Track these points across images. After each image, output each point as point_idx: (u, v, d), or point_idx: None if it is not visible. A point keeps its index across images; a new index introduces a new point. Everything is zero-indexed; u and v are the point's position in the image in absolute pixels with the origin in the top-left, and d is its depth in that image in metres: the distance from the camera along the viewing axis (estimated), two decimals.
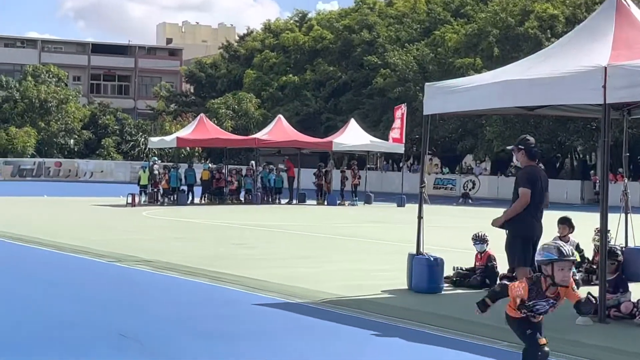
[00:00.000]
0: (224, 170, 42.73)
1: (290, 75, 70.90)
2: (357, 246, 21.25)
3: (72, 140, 72.89)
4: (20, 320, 10.54)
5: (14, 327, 10.06)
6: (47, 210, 33.79)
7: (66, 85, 77.79)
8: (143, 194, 38.99)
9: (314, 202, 41.77)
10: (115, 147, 73.47)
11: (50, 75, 75.98)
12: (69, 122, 72.55)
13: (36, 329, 10.02)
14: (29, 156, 67.78)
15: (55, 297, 12.48)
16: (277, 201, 41.86)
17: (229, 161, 48.02)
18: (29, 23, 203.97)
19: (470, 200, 47.51)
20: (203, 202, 41.21)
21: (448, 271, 14.11)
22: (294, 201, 42.13)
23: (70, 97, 74.07)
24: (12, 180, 62.16)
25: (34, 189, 48.92)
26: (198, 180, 41.80)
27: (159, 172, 40.25)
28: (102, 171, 67.36)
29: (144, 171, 39.98)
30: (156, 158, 44.12)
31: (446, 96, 13.30)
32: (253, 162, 44.98)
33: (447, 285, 13.93)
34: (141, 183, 39.56)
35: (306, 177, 45.32)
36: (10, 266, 16.37)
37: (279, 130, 43.26)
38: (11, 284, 13.96)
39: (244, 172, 43.35)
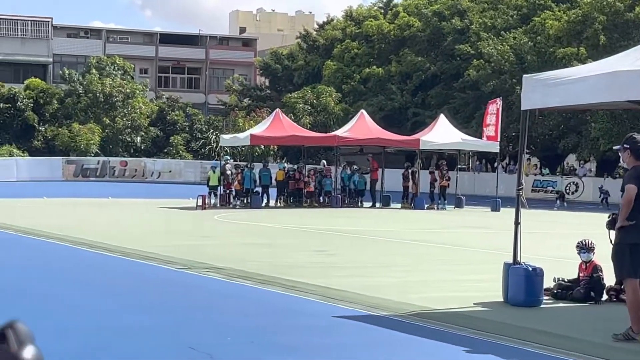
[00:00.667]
0: (303, 171, 42.81)
1: (374, 67, 70.87)
2: (447, 254, 21.15)
3: (138, 138, 74.01)
4: (87, 330, 10.79)
5: (80, 338, 10.31)
6: (112, 213, 34.45)
7: (132, 78, 79.01)
8: (213, 195, 39.43)
9: (399, 205, 41.69)
10: (185, 145, 74.37)
11: (116, 68, 77.32)
12: (136, 118, 73.68)
13: (103, 340, 10.25)
14: (92, 155, 69.02)
15: (122, 307, 12.73)
16: (359, 204, 41.88)
17: (306, 160, 48.24)
18: (93, 12, 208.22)
19: (565, 203, 46.85)
20: (278, 204, 41.49)
21: (548, 282, 13.96)
22: (378, 204, 42.12)
23: (137, 91, 75.19)
24: (75, 180, 63.50)
25: (98, 190, 49.90)
26: (273, 181, 42.12)
27: (231, 172, 40.66)
28: (170, 171, 68.24)
29: (214, 171, 40.45)
30: (228, 157, 44.60)
31: (546, 89, 13.16)
32: (324, 161, 45.09)
33: (547, 298, 13.77)
34: (211, 184, 40.04)
35: (390, 178, 45.24)
36: (75, 273, 16.77)
37: (361, 126, 43.28)
38: (76, 292, 14.29)
39: (323, 172, 43.48)
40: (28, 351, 1.34)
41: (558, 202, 47.07)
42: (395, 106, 67.73)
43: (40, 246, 21.54)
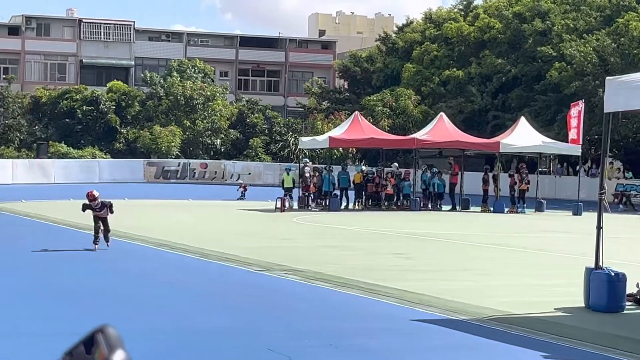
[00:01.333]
0: (382, 174, 42.69)
1: (454, 69, 70.45)
2: (527, 258, 20.95)
3: (218, 140, 74.74)
4: (168, 331, 10.96)
5: (162, 339, 10.48)
6: (192, 214, 34.85)
7: (213, 81, 79.83)
8: (289, 197, 39.59)
9: (479, 208, 41.40)
10: (264, 148, 74.88)
11: (196, 71, 78.21)
12: (216, 120, 74.43)
13: (184, 341, 10.40)
14: (173, 157, 69.91)
15: (202, 308, 12.90)
16: (438, 207, 41.67)
17: (385, 163, 48.15)
18: (175, 15, 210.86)
19: (622, 206, 45.91)
20: (356, 207, 41.50)
21: (631, 288, 13.74)
22: (457, 207, 41.87)
23: (217, 94, 75.93)
24: (155, 182, 64.36)
25: (178, 191, 50.50)
26: (351, 183, 42.14)
27: (309, 175, 40.80)
28: (249, 173, 68.71)
29: (288, 173, 40.65)
30: (307, 160, 44.73)
31: (630, 91, 12.97)
32: (396, 164, 44.93)
33: (629, 304, 13.57)
34: (285, 186, 40.19)
35: (470, 181, 44.94)
36: (157, 274, 17.03)
37: (441, 129, 43.08)
38: (158, 293, 14.52)
39: (402, 175, 43.38)
40: (118, 355, 1.40)
41: (620, 206, 46.13)
42: (475, 108, 67.22)
43: (122, 247, 21.91)
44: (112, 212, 21.24)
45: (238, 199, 45.26)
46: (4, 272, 16.64)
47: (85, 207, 21.11)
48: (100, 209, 20.97)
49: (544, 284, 16.16)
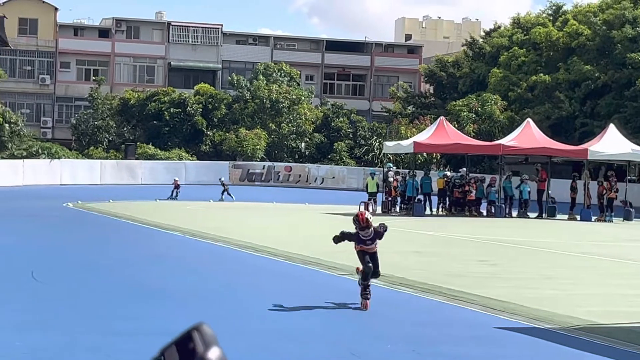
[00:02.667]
0: (468, 180, 42.37)
1: (541, 75, 69.62)
2: (614, 267, 20.62)
3: (303, 144, 75.11)
4: (251, 333, 11.10)
5: (245, 340, 10.62)
6: (276, 217, 35.11)
7: (298, 84, 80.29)
8: (373, 202, 39.60)
9: (566, 216, 40.85)
10: (348, 152, 75.02)
11: (282, 74, 78.74)
12: (301, 124, 74.82)
13: (267, 343, 10.53)
14: (258, 160, 70.47)
15: (285, 310, 13.01)
16: (524, 214, 41.22)
17: (470, 169, 47.84)
18: (262, 19, 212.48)
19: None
20: (440, 213, 41.32)
21: None
22: (543, 215, 41.37)
23: (303, 98, 76.33)
24: (240, 184, 64.95)
25: (262, 194, 50.91)
26: (434, 189, 41.99)
27: (393, 180, 40.77)
28: (333, 177, 68.90)
29: (372, 177, 40.65)
30: (391, 164, 44.70)
31: None
32: (464, 169, 44.51)
33: None
34: (369, 191, 40.21)
35: (556, 188, 44.36)
36: (241, 276, 17.23)
37: (527, 135, 42.64)
38: (242, 295, 14.69)
39: (486, 182, 43.06)
40: (213, 352, 1.46)
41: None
42: (563, 115, 66.32)
43: (208, 249, 22.21)
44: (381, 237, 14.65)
45: (168, 199, 44.69)
46: (93, 272, 17.01)
47: (343, 238, 14.74)
48: (372, 240, 14.55)
49: (631, 293, 15.90)
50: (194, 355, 1.45)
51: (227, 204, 42.73)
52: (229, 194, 45.84)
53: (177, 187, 46.31)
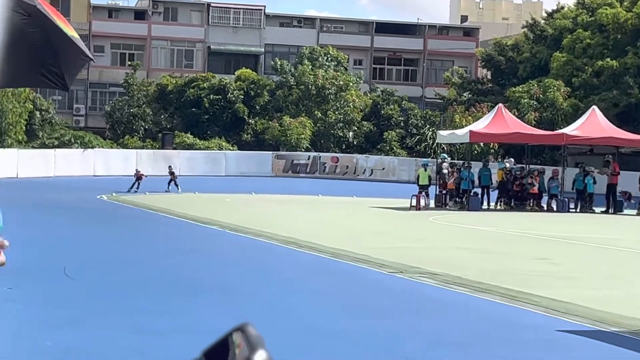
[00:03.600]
0: (532, 172, 42.04)
1: (608, 59, 68.91)
2: None
3: (350, 133, 75.05)
4: (296, 332, 11.12)
5: (289, 339, 10.64)
6: (321, 211, 35.15)
7: (346, 69, 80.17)
8: (425, 195, 39.45)
9: (634, 211, 40.41)
10: (399, 142, 74.82)
11: (329, 59, 78.68)
12: (348, 111, 74.74)
13: (313, 343, 10.54)
14: (303, 150, 70.49)
15: (332, 309, 13.02)
16: (589, 209, 40.79)
17: (530, 160, 47.52)
18: (307, 0, 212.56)
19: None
20: (498, 207, 41.09)
21: None
22: (610, 210, 40.94)
23: (351, 84, 76.22)
24: (284, 176, 65.10)
25: (308, 186, 50.97)
26: (494, 181, 41.74)
27: (447, 171, 40.61)
28: (383, 168, 68.80)
29: (425, 169, 40.47)
30: (445, 155, 44.53)
31: None
32: (512, 159, 44.08)
33: None
34: (420, 183, 39.99)
35: (624, 182, 43.88)
36: (284, 273, 17.28)
37: (592, 124, 42.21)
38: (285, 293, 14.74)
39: (548, 174, 42.68)
40: (260, 355, 1.44)
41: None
42: (632, 102, 65.61)
43: (249, 244, 22.29)
44: None
45: (128, 191, 43.08)
46: (127, 267, 17.15)
47: None
48: None
49: None
50: (240, 359, 1.44)
51: (271, 197, 42.82)
52: (175, 185, 44.87)
53: (139, 178, 44.83)
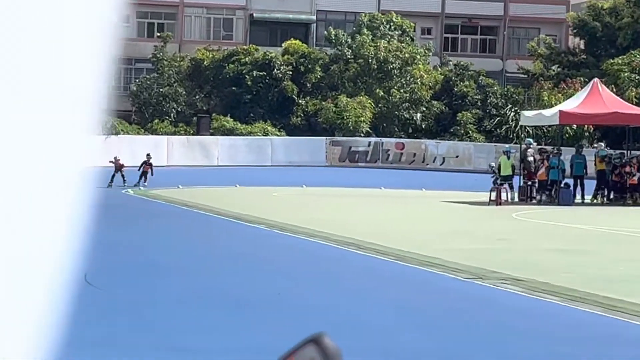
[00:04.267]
0: (631, 159, 41.70)
1: None
2: None
3: (418, 115, 74.77)
4: (358, 351, 11.18)
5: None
6: (384, 207, 35.15)
7: (412, 40, 79.86)
8: (509, 187, 39.28)
9: None
10: (476, 124, 74.42)
11: (392, 27, 78.45)
12: (415, 89, 74.47)
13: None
14: (362, 135, 70.32)
15: (398, 323, 13.08)
16: None
17: (632, 145, 47.12)
18: None
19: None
20: (595, 201, 40.81)
21: None
22: None
23: (418, 56, 75.88)
24: (341, 166, 65.04)
25: (368, 178, 50.91)
26: (590, 171, 41.45)
27: (534, 159, 40.39)
28: (457, 156, 68.49)
29: (508, 157, 40.27)
30: (531, 140, 44.31)
31: None
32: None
33: None
34: (502, 173, 39.80)
35: None
36: (344, 280, 17.34)
37: None
38: (346, 302, 14.81)
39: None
40: None
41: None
42: None
43: (301, 246, 22.36)
44: None
45: (108, 186, 40.92)
46: (158, 274, 17.29)
47: None
48: None
49: None
50: None
51: (326, 191, 42.87)
52: (122, 176, 43.15)
53: (119, 168, 43.15)
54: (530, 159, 40.45)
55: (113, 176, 42.42)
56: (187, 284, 16.10)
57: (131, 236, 23.76)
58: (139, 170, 43.94)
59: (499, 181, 38.36)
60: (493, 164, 42.32)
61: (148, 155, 45.41)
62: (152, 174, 43.80)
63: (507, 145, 47.25)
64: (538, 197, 40.12)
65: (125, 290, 15.25)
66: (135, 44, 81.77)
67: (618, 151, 44.71)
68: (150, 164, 44.55)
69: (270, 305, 14.13)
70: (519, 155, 42.03)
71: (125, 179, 42.96)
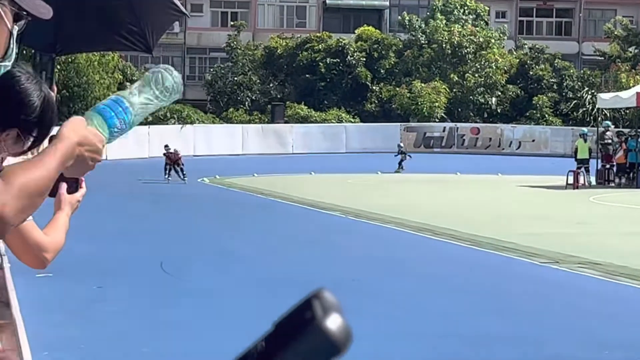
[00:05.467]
0: None
1: None
2: None
3: (493, 99, 74.43)
4: (434, 335, 11.15)
5: (427, 344, 10.69)
6: (460, 192, 35.01)
7: (487, 24, 79.50)
8: (585, 171, 39.03)
9: None
10: (552, 108, 73.90)
11: (466, 11, 78.13)
12: (490, 73, 74.12)
13: (452, 349, 10.56)
14: (437, 120, 70.21)
15: (474, 309, 13.03)
16: None
17: None
18: None
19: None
20: None
21: None
22: None
23: (492, 40, 75.54)
24: (416, 151, 64.80)
25: (443, 163, 50.78)
26: None
27: (612, 142, 40.02)
28: (533, 140, 68.08)
29: (585, 140, 39.98)
30: (609, 123, 43.87)
31: None
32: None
33: None
34: (579, 156, 39.58)
35: None
36: (419, 265, 17.32)
37: None
38: (421, 288, 14.80)
39: None
40: (333, 320, 1.48)
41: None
42: None
43: (374, 232, 22.35)
44: None
45: (167, 178, 38.29)
46: (233, 262, 17.37)
47: None
48: None
49: None
50: (311, 324, 1.47)
51: (401, 177, 42.81)
52: (177, 172, 38.60)
53: (174, 160, 39.31)
54: (608, 141, 40.08)
55: (169, 170, 38.71)
56: (261, 272, 16.13)
57: (206, 225, 23.90)
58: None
59: (405, 159, 38.47)
60: (401, 144, 43.14)
61: (166, 146, 40.01)
62: (180, 165, 38.62)
63: (584, 129, 46.80)
64: (617, 181, 39.74)
65: (199, 278, 15.33)
66: (210, 34, 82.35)
67: None
68: (170, 154, 39.23)
69: (344, 291, 14.10)
70: (596, 139, 41.66)
71: (185, 173, 38.40)
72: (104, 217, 23.26)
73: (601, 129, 41.49)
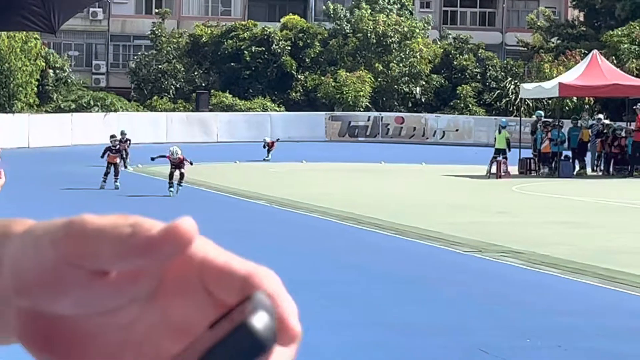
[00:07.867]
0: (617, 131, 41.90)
1: None
2: None
3: (418, 89, 74.73)
4: (357, 325, 11.17)
5: (349, 334, 10.69)
6: (384, 181, 35.12)
7: (411, 13, 79.73)
8: (503, 161, 39.28)
9: None
10: (476, 98, 74.39)
11: (391, 1, 78.30)
12: (415, 63, 74.42)
13: (377, 336, 10.58)
14: (362, 109, 70.31)
15: (398, 298, 13.07)
16: None
17: (632, 117, 47.02)
18: None
19: None
20: (596, 172, 40.86)
21: None
22: None
23: (417, 30, 75.80)
24: (340, 140, 65.07)
25: (368, 152, 50.95)
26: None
27: (540, 131, 40.51)
28: (457, 130, 68.49)
29: (499, 131, 40.38)
30: (541, 112, 44.34)
31: None
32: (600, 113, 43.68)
33: None
34: (497, 146, 39.88)
35: None
36: (343, 254, 17.32)
37: None
38: (345, 278, 14.80)
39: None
40: (259, 319, 1.43)
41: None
42: None
43: (300, 221, 22.35)
44: None
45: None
46: None
47: None
48: None
49: None
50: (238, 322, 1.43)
51: (326, 166, 42.85)
52: (122, 159, 38.43)
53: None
54: (539, 131, 40.60)
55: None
56: None
57: (132, 212, 23.66)
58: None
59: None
60: (267, 138, 44.57)
61: (122, 132, 41.29)
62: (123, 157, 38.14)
63: (504, 119, 47.18)
64: (542, 170, 40.10)
65: None
66: (134, 21, 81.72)
67: (618, 123, 44.73)
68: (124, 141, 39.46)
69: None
70: (518, 129, 42.01)
71: (126, 162, 39.05)
72: (25, 208, 22.98)
73: (534, 119, 41.90)
